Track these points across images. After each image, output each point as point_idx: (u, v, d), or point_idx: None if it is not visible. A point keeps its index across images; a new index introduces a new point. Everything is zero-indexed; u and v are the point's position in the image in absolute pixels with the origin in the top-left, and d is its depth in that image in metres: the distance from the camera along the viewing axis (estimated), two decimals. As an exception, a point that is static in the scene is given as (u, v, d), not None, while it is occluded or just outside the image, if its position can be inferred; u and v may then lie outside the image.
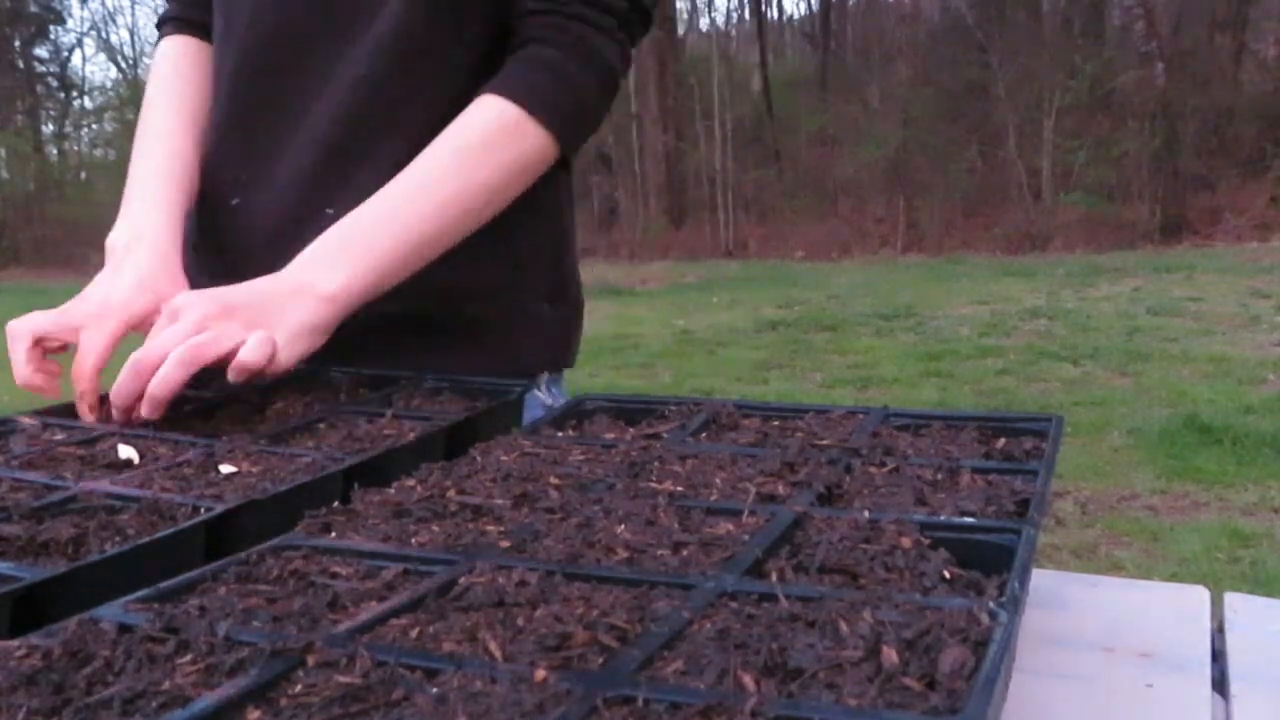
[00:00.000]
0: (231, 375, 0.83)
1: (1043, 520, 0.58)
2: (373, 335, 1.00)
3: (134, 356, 0.82)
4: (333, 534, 0.60)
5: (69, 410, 0.88)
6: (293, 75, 1.05)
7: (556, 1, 1.01)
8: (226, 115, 1.11)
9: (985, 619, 0.44)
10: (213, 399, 0.90)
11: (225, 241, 1.12)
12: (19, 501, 0.65)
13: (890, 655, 0.42)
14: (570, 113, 1.01)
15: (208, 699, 0.40)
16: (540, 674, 0.41)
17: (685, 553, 0.55)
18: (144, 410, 0.81)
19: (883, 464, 0.69)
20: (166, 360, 0.80)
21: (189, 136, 1.11)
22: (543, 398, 1.12)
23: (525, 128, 0.98)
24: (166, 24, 1.19)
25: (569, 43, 1.01)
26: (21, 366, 0.92)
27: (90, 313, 0.95)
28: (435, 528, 0.60)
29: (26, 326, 0.93)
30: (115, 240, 1.03)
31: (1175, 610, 0.69)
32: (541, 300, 1.12)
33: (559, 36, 1.01)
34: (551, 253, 1.13)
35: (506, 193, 1.00)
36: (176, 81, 1.15)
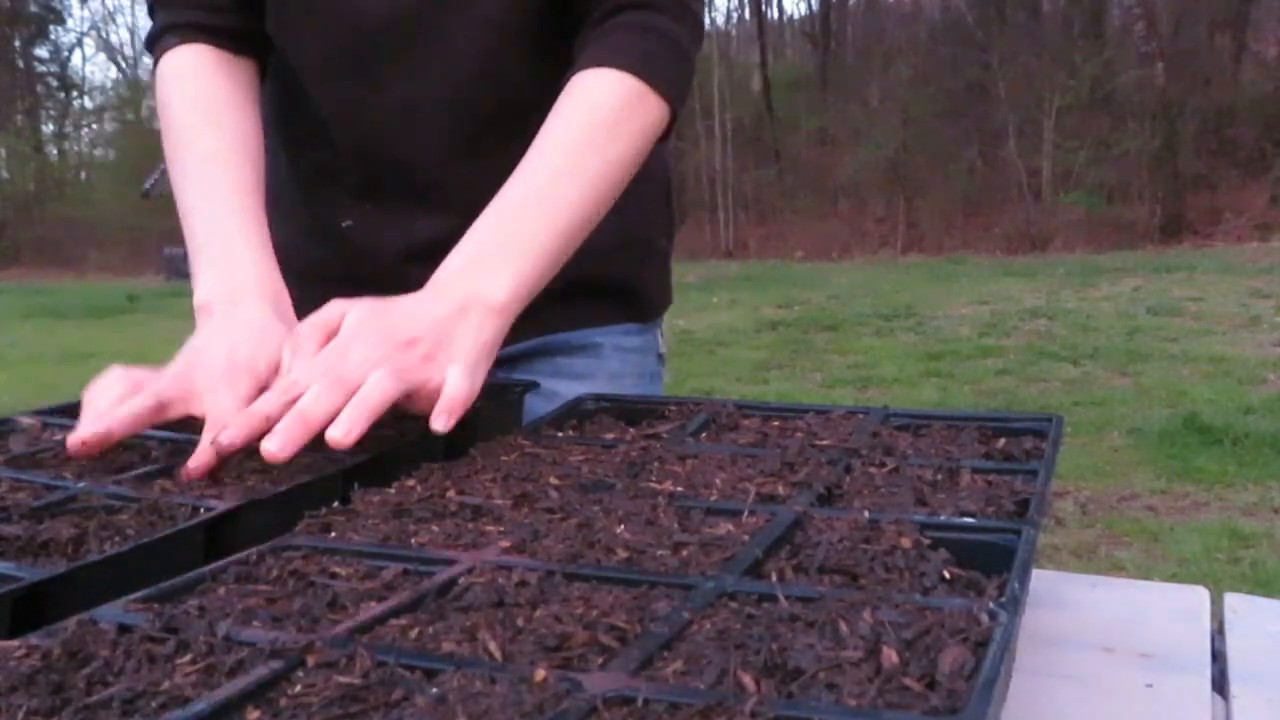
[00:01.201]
0: (437, 422, 0.74)
1: (1043, 520, 0.58)
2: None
3: (283, 385, 0.73)
4: (333, 534, 0.60)
5: (69, 410, 0.88)
6: (398, 62, 0.98)
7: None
8: (317, 122, 1.03)
9: (985, 619, 0.44)
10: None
11: (344, 270, 1.05)
12: (19, 501, 0.65)
13: (890, 655, 0.42)
14: (681, 77, 0.98)
15: (208, 699, 0.40)
16: (540, 674, 0.41)
17: (685, 553, 0.55)
18: (345, 437, 0.70)
19: (883, 464, 0.69)
20: (371, 378, 0.72)
21: (250, 165, 0.98)
22: (660, 345, 1.18)
23: (647, 98, 0.95)
24: (173, 31, 1.02)
25: (665, 3, 0.97)
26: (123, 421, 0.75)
27: (216, 373, 0.79)
28: (435, 528, 0.60)
29: (128, 385, 0.78)
30: (210, 296, 0.88)
31: (1175, 610, 0.69)
32: (661, 237, 1.16)
33: (665, 5, 0.97)
34: (664, 189, 1.16)
35: (637, 165, 0.96)
36: (214, 99, 1.00)
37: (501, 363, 1.09)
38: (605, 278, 1.09)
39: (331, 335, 0.77)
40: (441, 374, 0.77)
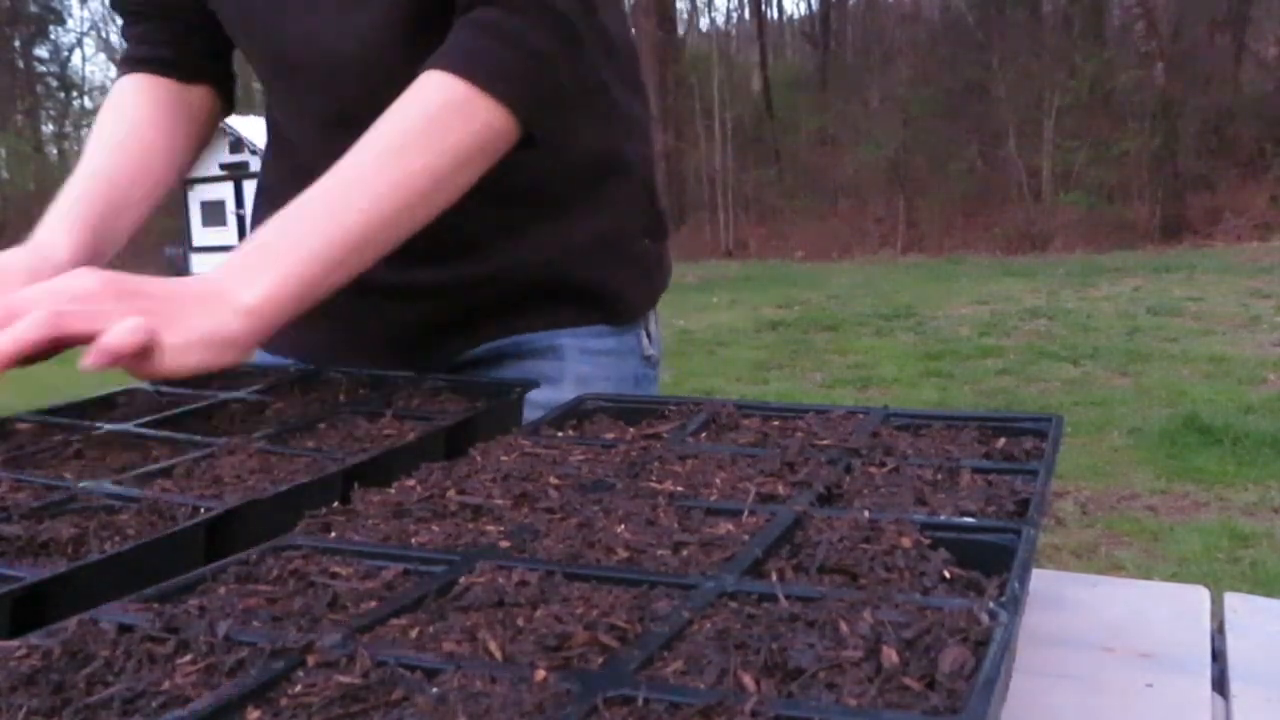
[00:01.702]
0: (88, 357, 0.73)
1: (1043, 520, 0.58)
2: (483, 309, 1.03)
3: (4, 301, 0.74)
4: (333, 534, 0.60)
5: (69, 410, 0.88)
6: (369, 108, 0.93)
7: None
8: (301, 168, 1.04)
9: (985, 619, 0.44)
10: (211, 400, 0.90)
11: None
12: (19, 501, 0.65)
13: (890, 655, 0.42)
14: (528, 82, 0.90)
15: (208, 699, 0.40)
16: (540, 674, 0.41)
17: (685, 553, 0.55)
18: None
19: (883, 464, 0.69)
20: (26, 316, 0.73)
21: (123, 175, 1.04)
22: (647, 348, 1.15)
23: (475, 105, 0.88)
24: (123, 64, 1.12)
25: (522, 1, 0.90)
26: None
27: None
28: (435, 528, 0.60)
29: None
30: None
31: (1175, 610, 0.69)
32: (642, 238, 1.13)
33: (525, 6, 0.90)
34: (644, 188, 1.13)
35: (459, 179, 0.89)
36: (123, 121, 1.08)
37: (472, 364, 1.10)
38: (575, 279, 1.07)
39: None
40: (157, 337, 0.75)
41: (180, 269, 18.36)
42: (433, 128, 0.87)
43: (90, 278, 0.77)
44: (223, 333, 0.79)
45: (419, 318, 1.08)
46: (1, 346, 0.72)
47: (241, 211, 22.12)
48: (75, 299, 0.75)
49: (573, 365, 1.08)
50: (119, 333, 0.73)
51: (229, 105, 1.18)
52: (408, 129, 0.87)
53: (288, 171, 1.10)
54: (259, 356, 1.17)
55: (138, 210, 1.06)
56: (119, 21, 1.16)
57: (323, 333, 1.11)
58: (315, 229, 0.84)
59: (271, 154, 1.16)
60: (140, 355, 0.74)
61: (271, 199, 1.05)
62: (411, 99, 0.88)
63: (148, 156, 1.07)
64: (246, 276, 0.81)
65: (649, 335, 1.16)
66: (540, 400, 0.96)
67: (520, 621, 0.46)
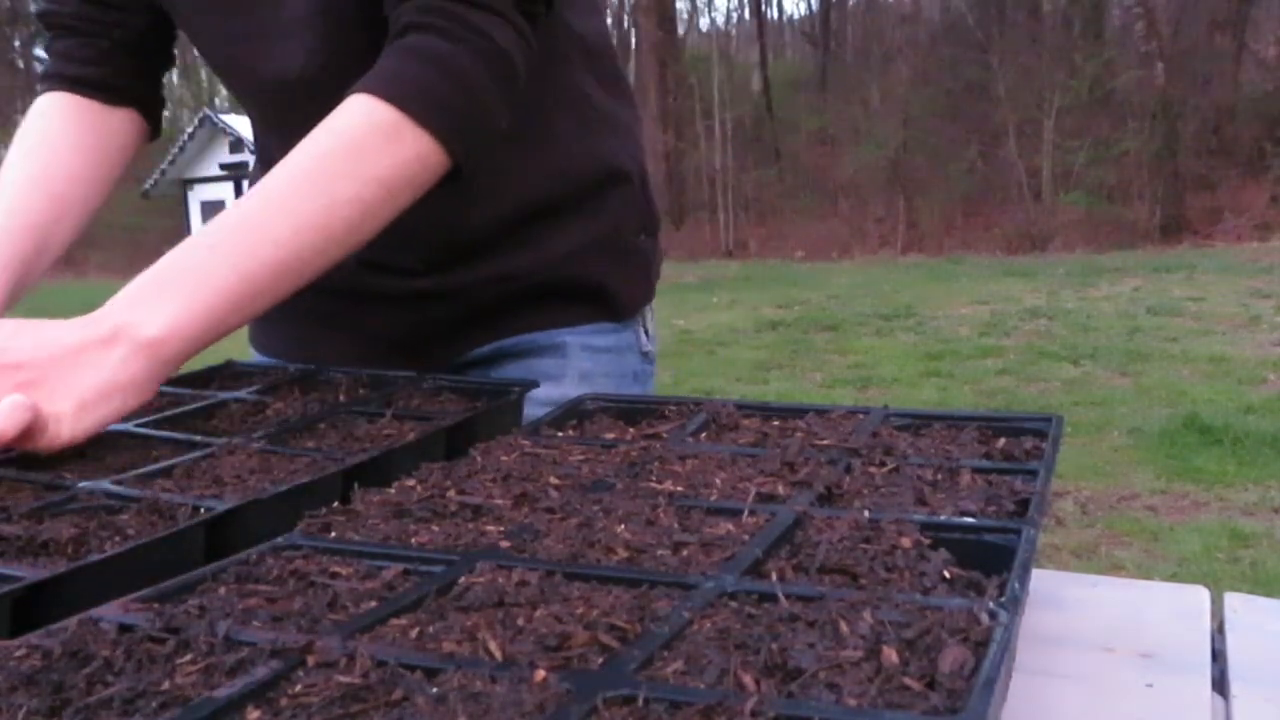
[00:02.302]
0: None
1: (1043, 520, 0.58)
2: (485, 311, 1.04)
3: None
4: (333, 534, 0.60)
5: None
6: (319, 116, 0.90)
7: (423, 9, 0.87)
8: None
9: (985, 619, 0.44)
10: (211, 400, 0.90)
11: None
12: (19, 501, 0.65)
13: (890, 655, 0.42)
14: (458, 113, 0.86)
15: (208, 699, 0.40)
16: (540, 674, 0.41)
17: (685, 553, 0.55)
18: None
19: (883, 464, 0.69)
20: None
21: (38, 198, 1.01)
22: (645, 344, 1.16)
23: (402, 132, 0.83)
24: (44, 80, 1.08)
25: (452, 28, 0.86)
26: None
27: None
28: (435, 528, 0.60)
29: None
30: None
31: (1175, 610, 0.69)
32: (637, 234, 1.14)
33: (440, 21, 0.86)
34: (637, 186, 1.13)
35: (385, 210, 0.84)
36: (40, 142, 1.05)
37: (473, 364, 1.10)
38: (575, 279, 1.08)
39: None
40: (47, 407, 0.70)
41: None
42: (361, 155, 0.83)
43: None
44: (118, 380, 0.73)
45: (422, 322, 1.08)
46: None
47: (241, 211, 22.03)
48: None
49: (575, 362, 1.08)
50: (55, 436, 0.69)
51: (155, 130, 1.14)
52: (335, 153, 0.83)
53: None
54: (259, 357, 1.17)
55: (57, 250, 1.03)
56: (45, 35, 1.12)
57: (325, 336, 1.12)
58: (227, 259, 0.79)
59: (258, 160, 1.16)
60: (30, 433, 0.69)
61: None
62: (338, 122, 0.84)
63: (71, 189, 1.04)
64: (149, 307, 0.76)
65: (647, 332, 1.17)
66: (543, 397, 0.96)
67: (520, 621, 0.46)
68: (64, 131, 1.06)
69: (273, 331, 1.16)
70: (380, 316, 1.09)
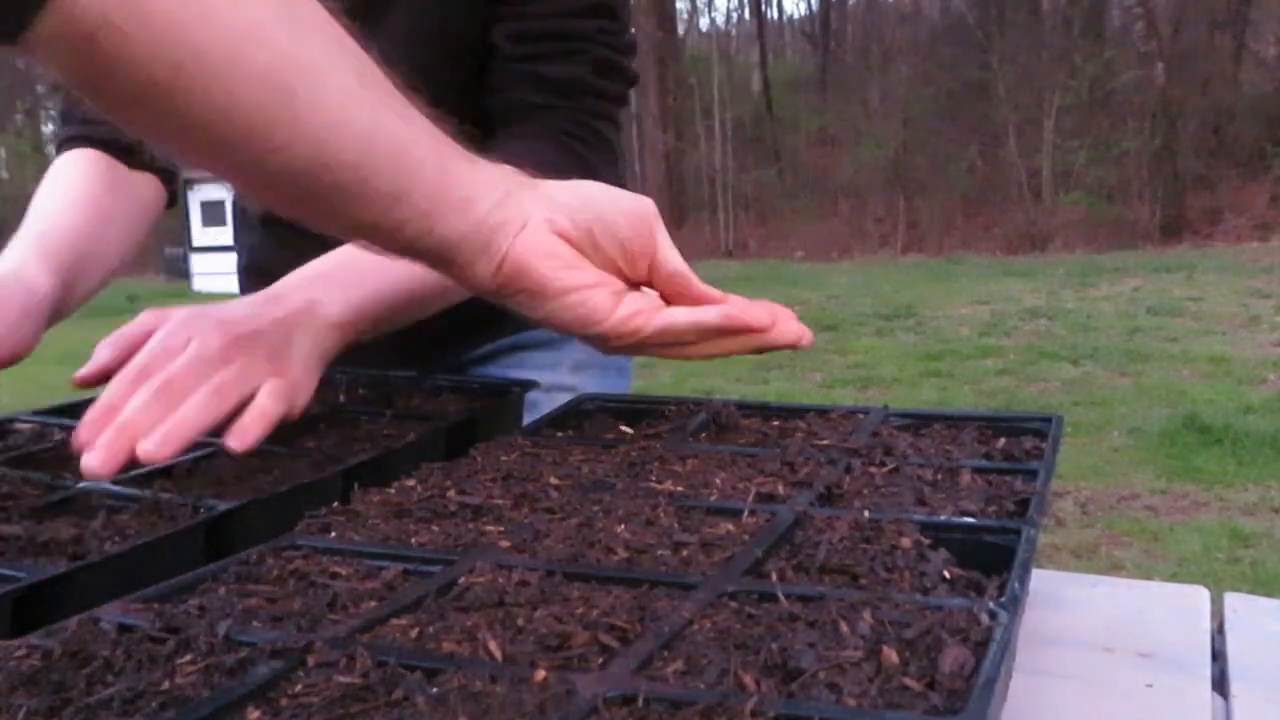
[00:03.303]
0: (248, 429, 0.69)
1: (1043, 520, 0.58)
2: (486, 314, 1.03)
3: (160, 378, 0.67)
4: (333, 534, 0.60)
5: (69, 410, 0.88)
6: None
7: (572, 99, 0.94)
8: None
9: (985, 619, 0.44)
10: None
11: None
12: (19, 501, 0.65)
13: (890, 655, 0.42)
14: None
15: (208, 699, 0.40)
16: (540, 674, 0.41)
17: (685, 553, 0.55)
18: (158, 450, 0.64)
19: (883, 464, 0.69)
20: (198, 393, 0.67)
21: (65, 237, 0.97)
22: None
23: None
24: (67, 143, 1.07)
25: (593, 142, 0.95)
26: None
27: None
28: (435, 528, 0.60)
29: None
30: None
31: (1175, 610, 0.69)
32: None
33: (583, 134, 0.95)
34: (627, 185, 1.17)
35: None
36: (68, 188, 1.02)
37: (474, 362, 1.11)
38: None
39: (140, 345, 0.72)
40: (288, 376, 0.73)
41: (180, 269, 18.33)
42: None
43: (211, 333, 0.71)
44: (324, 349, 0.78)
45: (420, 328, 1.09)
46: (185, 433, 0.65)
47: (242, 211, 22.08)
48: (208, 361, 0.69)
49: (569, 352, 1.11)
50: (274, 398, 0.71)
51: (172, 198, 1.13)
52: None
53: None
54: None
55: (102, 268, 1.00)
56: (60, 102, 1.11)
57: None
58: (397, 266, 0.79)
59: None
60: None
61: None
62: None
63: (105, 221, 1.01)
64: (330, 290, 0.80)
65: None
66: (540, 383, 0.97)
67: (520, 621, 0.46)
68: (90, 179, 1.04)
69: None
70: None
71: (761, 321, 0.70)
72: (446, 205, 0.64)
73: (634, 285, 0.72)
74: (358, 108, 0.59)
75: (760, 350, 0.73)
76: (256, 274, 1.16)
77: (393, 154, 0.61)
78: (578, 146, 0.94)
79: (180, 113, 0.54)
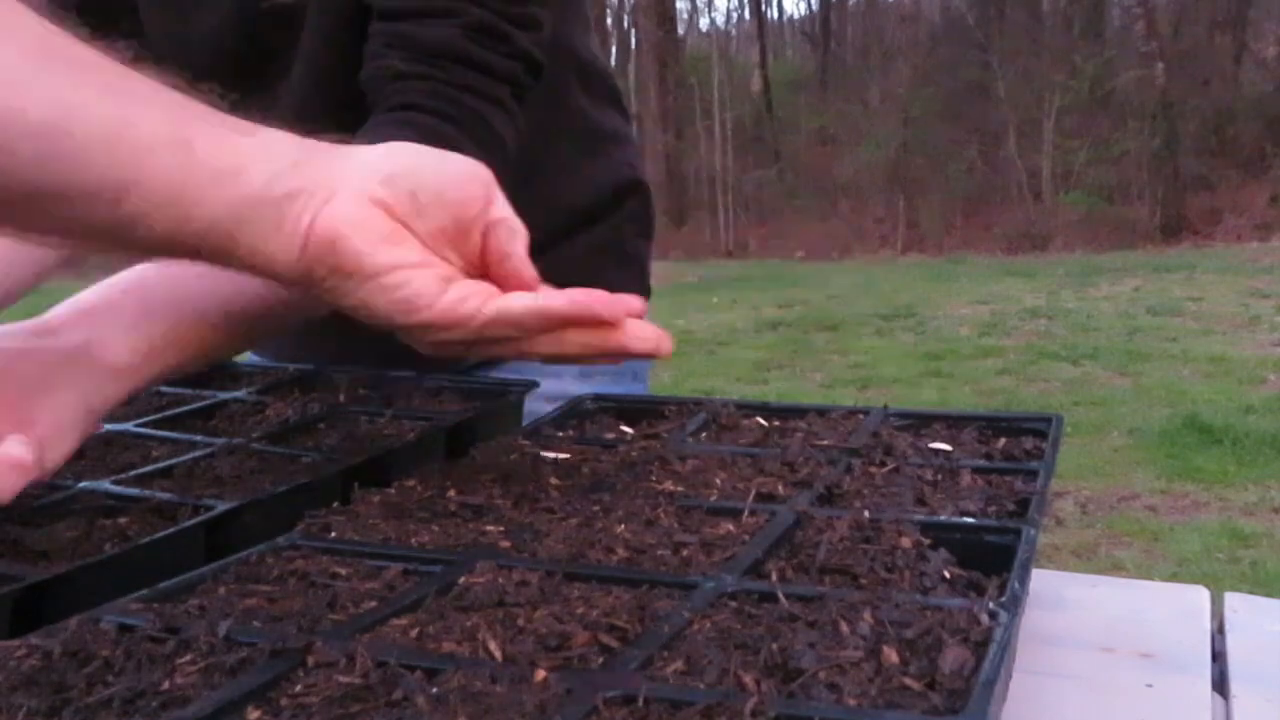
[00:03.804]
0: None
1: (1043, 520, 0.58)
2: None
3: None
4: (333, 534, 0.60)
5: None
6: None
7: (438, 67, 0.82)
8: None
9: (985, 619, 0.44)
10: (211, 400, 0.90)
11: None
12: (19, 501, 0.65)
13: (890, 655, 0.42)
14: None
15: (208, 699, 0.40)
16: (540, 674, 0.41)
17: (685, 553, 0.55)
18: None
19: (883, 464, 0.69)
20: None
21: None
22: None
23: None
24: None
25: (461, 118, 0.82)
26: None
27: None
28: (435, 528, 0.60)
29: None
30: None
31: (1175, 610, 0.69)
32: (638, 238, 1.16)
33: (450, 110, 0.82)
34: (642, 202, 1.15)
35: None
36: None
37: (481, 364, 1.11)
38: (575, 284, 1.09)
39: None
40: None
41: (180, 269, 18.27)
42: None
43: None
44: (92, 404, 0.65)
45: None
46: None
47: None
48: None
49: None
50: (10, 464, 0.58)
51: None
52: None
53: None
54: (252, 358, 1.17)
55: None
56: None
57: (330, 344, 1.11)
58: (203, 289, 0.71)
59: None
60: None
61: None
62: None
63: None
64: (111, 330, 0.67)
65: None
66: (545, 391, 0.96)
67: (520, 621, 0.46)
68: None
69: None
70: (360, 329, 1.09)
71: (613, 314, 0.60)
72: (200, 184, 0.54)
73: (466, 270, 0.63)
74: (28, 97, 0.50)
75: (612, 354, 0.62)
76: None
77: (104, 140, 0.51)
78: (445, 128, 0.80)
79: None
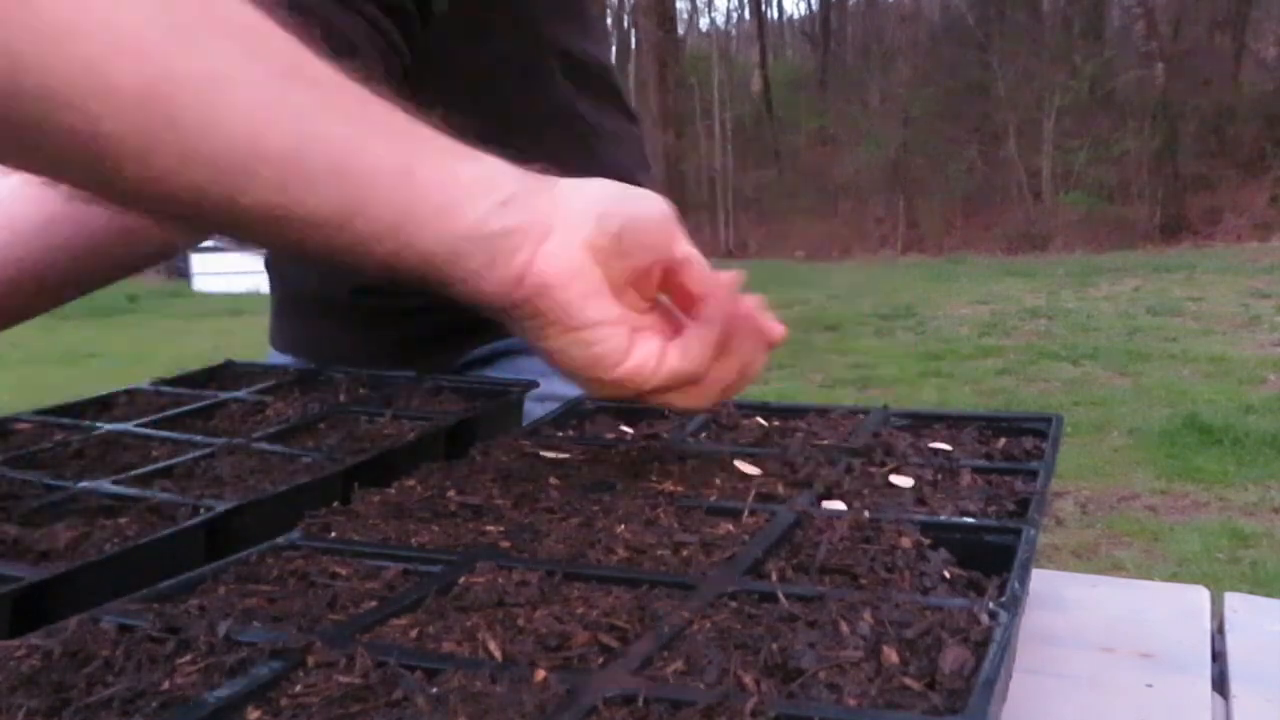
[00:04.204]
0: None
1: (1043, 520, 0.58)
2: (477, 318, 1.04)
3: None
4: (333, 534, 0.60)
5: (69, 410, 0.88)
6: None
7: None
8: None
9: (985, 619, 0.44)
10: (211, 400, 0.90)
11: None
12: (19, 501, 0.65)
13: (890, 655, 0.42)
14: None
15: (208, 699, 0.40)
16: (540, 674, 0.41)
17: (685, 553, 0.55)
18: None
19: (883, 464, 0.69)
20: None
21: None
22: None
23: None
24: None
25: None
26: None
27: None
28: (435, 528, 0.60)
29: None
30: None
31: (1175, 610, 0.69)
32: None
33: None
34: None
35: None
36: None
37: (470, 365, 1.11)
38: None
39: None
40: None
41: (180, 268, 18.31)
42: None
43: None
44: None
45: (417, 333, 1.09)
46: None
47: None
48: None
49: None
50: None
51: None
52: None
53: None
54: (275, 355, 1.19)
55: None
56: None
57: (327, 344, 1.12)
58: None
59: None
60: None
61: None
62: None
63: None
64: None
65: None
66: (536, 391, 0.96)
67: (520, 621, 0.46)
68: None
69: (298, 328, 1.18)
70: (384, 323, 1.10)
71: (774, 329, 0.62)
72: (419, 216, 0.54)
73: (639, 308, 0.62)
74: (272, 122, 0.50)
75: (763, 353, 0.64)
76: (293, 304, 1.17)
77: (332, 169, 0.51)
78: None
79: (31, 133, 0.45)
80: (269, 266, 1.22)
